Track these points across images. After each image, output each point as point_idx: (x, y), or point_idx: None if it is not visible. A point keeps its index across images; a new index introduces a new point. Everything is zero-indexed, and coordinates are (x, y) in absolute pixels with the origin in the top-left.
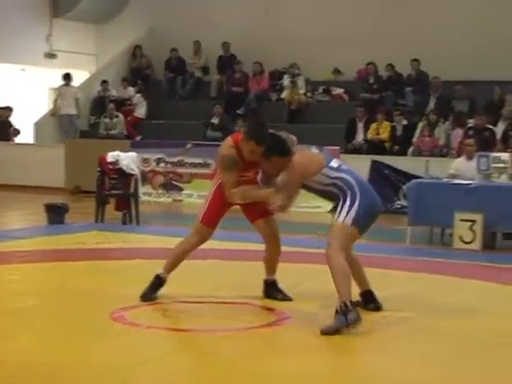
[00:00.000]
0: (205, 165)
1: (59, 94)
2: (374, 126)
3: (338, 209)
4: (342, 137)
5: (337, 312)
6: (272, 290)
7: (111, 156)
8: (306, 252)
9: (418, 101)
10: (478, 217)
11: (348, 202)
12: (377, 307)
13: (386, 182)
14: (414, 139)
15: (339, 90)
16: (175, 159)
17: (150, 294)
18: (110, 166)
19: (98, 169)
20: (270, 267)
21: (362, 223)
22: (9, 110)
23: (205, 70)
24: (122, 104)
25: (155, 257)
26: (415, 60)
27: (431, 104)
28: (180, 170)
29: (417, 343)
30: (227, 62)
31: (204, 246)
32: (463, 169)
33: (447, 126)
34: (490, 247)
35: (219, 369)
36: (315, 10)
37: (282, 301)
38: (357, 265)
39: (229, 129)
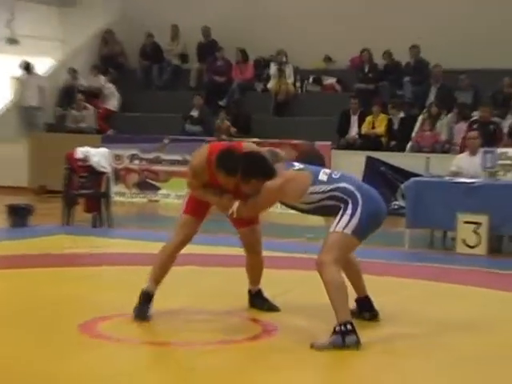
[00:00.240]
0: (183, 162)
1: (21, 84)
2: (369, 119)
3: (339, 216)
4: (333, 131)
5: (334, 331)
6: (257, 299)
7: (80, 152)
8: (293, 257)
9: (418, 92)
10: (482, 218)
11: (349, 211)
12: (373, 315)
13: (383, 180)
14: (413, 134)
15: (331, 80)
16: (151, 156)
17: (143, 311)
18: (79, 163)
19: (66, 166)
20: (253, 277)
21: (364, 231)
22: None
23: (183, 57)
24: (92, 94)
25: (129, 263)
26: (414, 47)
27: (432, 95)
28: (156, 168)
29: (413, 358)
30: (208, 48)
31: (182, 250)
32: (466, 165)
33: (449, 119)
34: (496, 252)
35: None
36: None
37: (269, 311)
38: (354, 268)
39: (210, 122)
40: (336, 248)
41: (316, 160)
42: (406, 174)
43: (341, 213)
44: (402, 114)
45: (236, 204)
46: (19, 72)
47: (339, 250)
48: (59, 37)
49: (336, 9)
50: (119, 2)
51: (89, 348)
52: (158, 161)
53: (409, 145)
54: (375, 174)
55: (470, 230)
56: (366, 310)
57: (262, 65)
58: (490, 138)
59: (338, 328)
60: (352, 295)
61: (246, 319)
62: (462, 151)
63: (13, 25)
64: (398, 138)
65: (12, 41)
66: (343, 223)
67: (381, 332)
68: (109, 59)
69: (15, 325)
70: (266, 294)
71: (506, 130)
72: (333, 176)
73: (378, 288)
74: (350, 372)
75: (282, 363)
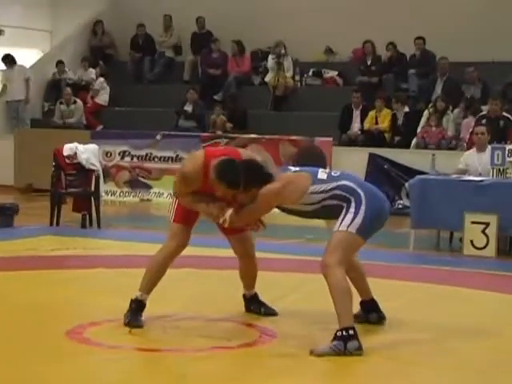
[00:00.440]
0: (176, 159)
1: (5, 78)
2: (371, 114)
3: (342, 215)
4: (335, 127)
5: (336, 337)
6: (253, 303)
7: (68, 149)
8: (292, 259)
9: (423, 85)
10: (491, 218)
11: (353, 209)
12: (380, 317)
13: (386, 178)
14: (419, 129)
15: (332, 73)
16: (142, 152)
17: (135, 318)
18: (67, 161)
19: (53, 163)
20: (248, 282)
21: (368, 230)
22: None
23: (177, 49)
24: (81, 88)
25: (119, 265)
26: (420, 38)
27: (438, 89)
28: (148, 165)
29: (418, 365)
30: (202, 39)
31: None
32: (473, 162)
33: (457, 114)
34: (505, 253)
35: None
36: None
37: (266, 316)
38: (359, 271)
39: (204, 117)
40: (340, 248)
41: (316, 157)
42: (411, 172)
43: (344, 211)
44: (406, 109)
45: (228, 212)
46: (2, 66)
47: (344, 250)
48: (47, 27)
49: None
50: None
51: (76, 354)
52: (149, 158)
53: (414, 141)
54: (378, 171)
55: (478, 231)
56: (373, 310)
57: (259, 57)
58: (500, 133)
59: (339, 333)
60: (356, 298)
61: (242, 324)
62: (469, 148)
63: None
64: (403, 134)
65: None
66: (347, 222)
67: (384, 337)
68: (98, 51)
69: None
70: (264, 298)
71: None
72: (332, 174)
73: (382, 291)
74: (352, 379)
75: (280, 370)
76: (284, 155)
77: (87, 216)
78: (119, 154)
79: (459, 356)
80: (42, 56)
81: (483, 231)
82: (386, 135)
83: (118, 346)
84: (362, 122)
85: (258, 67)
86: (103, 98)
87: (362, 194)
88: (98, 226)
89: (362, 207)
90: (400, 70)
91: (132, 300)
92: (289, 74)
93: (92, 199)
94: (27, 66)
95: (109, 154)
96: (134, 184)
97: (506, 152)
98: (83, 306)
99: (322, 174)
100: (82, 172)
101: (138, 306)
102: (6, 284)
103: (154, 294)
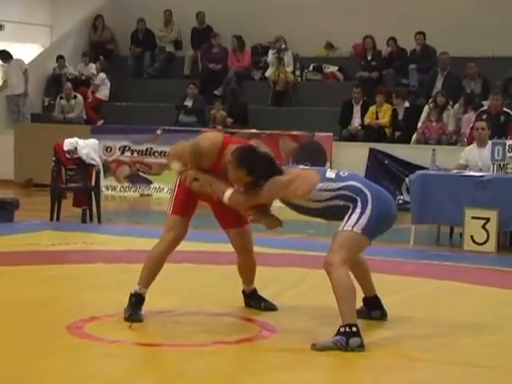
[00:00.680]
0: None
1: (4, 73)
2: (372, 109)
3: (348, 214)
4: (335, 122)
5: (339, 332)
6: (253, 298)
7: (68, 143)
8: (293, 254)
9: (424, 80)
10: (491, 214)
11: (359, 209)
12: (383, 314)
13: (386, 173)
14: (419, 124)
15: (332, 68)
16: (143, 147)
17: (135, 313)
18: (67, 156)
19: (54, 158)
20: (246, 277)
21: (374, 231)
22: None
23: (177, 44)
24: (82, 83)
25: (119, 260)
26: (420, 33)
27: (438, 84)
28: (148, 160)
29: (418, 361)
30: (203, 34)
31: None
32: (474, 157)
33: (457, 109)
34: (506, 249)
35: None
36: None
37: (266, 310)
38: (362, 267)
39: (204, 112)
40: (345, 247)
41: (316, 152)
42: (411, 167)
43: (350, 211)
44: (406, 104)
45: (230, 190)
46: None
47: (348, 249)
48: (47, 22)
49: None
50: None
51: (77, 349)
52: (150, 153)
53: (414, 136)
54: (379, 166)
55: (479, 226)
56: (375, 307)
57: (259, 52)
58: (501, 129)
59: (342, 329)
60: (359, 295)
61: (242, 319)
62: (469, 143)
63: None
64: (403, 129)
65: None
66: (352, 221)
67: (386, 333)
68: (98, 46)
69: None
70: (264, 293)
71: None
72: (340, 174)
73: (382, 287)
74: (352, 374)
75: (280, 365)
76: (284, 150)
77: (87, 211)
78: (119, 148)
79: (460, 351)
80: (43, 51)
81: (483, 226)
82: (387, 130)
83: (118, 340)
84: (362, 117)
85: (258, 62)
86: (103, 92)
87: (368, 194)
88: (99, 220)
89: (368, 208)
90: (400, 65)
91: (131, 294)
92: (289, 69)
93: (92, 194)
94: (27, 61)
95: (109, 149)
96: (135, 179)
97: (507, 147)
98: (83, 300)
99: (330, 173)
100: (83, 167)
101: (137, 300)
102: (6, 279)
103: (154, 288)
